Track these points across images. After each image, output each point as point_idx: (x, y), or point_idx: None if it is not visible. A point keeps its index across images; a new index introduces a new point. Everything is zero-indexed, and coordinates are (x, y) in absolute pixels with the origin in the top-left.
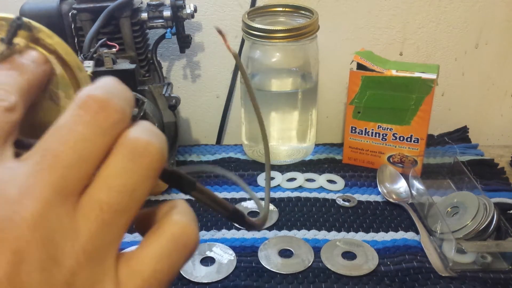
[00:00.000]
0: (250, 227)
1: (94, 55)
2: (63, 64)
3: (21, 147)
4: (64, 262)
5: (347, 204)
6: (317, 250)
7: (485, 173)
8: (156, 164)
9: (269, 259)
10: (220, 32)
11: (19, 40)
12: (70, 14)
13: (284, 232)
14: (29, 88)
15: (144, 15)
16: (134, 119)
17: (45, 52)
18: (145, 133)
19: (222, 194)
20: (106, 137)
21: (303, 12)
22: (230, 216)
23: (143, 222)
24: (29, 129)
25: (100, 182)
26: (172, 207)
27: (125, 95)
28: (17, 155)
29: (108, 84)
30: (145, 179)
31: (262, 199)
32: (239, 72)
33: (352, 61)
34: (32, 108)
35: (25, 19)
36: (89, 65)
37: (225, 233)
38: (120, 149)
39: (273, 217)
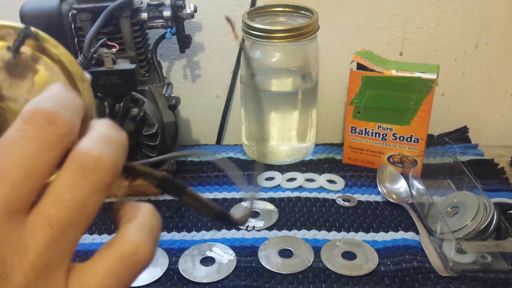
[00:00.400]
0: (235, 224)
1: (94, 55)
2: (66, 74)
3: None
4: (13, 279)
5: (347, 204)
6: (317, 250)
7: (485, 173)
8: (107, 178)
9: (269, 259)
10: (229, 20)
11: (25, 49)
12: (70, 14)
13: (284, 232)
14: None
15: (144, 15)
16: (134, 119)
17: (50, 61)
18: (97, 145)
19: (222, 195)
20: (54, 151)
21: (303, 12)
22: (217, 217)
23: (118, 215)
24: None
25: (49, 197)
26: (132, 218)
27: (73, 105)
28: None
29: (56, 95)
30: (96, 194)
31: (263, 199)
32: (239, 72)
33: (352, 61)
34: None
35: (32, 29)
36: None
37: (225, 233)
38: (70, 164)
39: (273, 217)
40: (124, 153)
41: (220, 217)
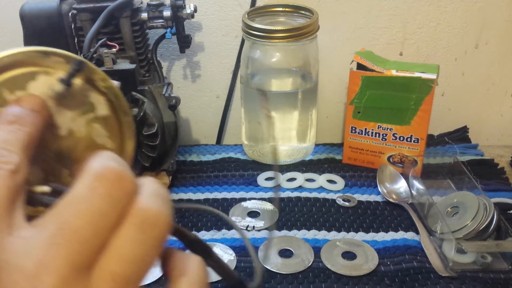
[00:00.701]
0: None
1: (94, 55)
2: (111, 106)
3: (33, 203)
4: None
5: (347, 204)
6: (317, 250)
7: (485, 173)
8: (164, 233)
9: (269, 259)
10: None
11: (75, 80)
12: (70, 14)
13: (284, 232)
14: (31, 141)
15: (144, 15)
16: (134, 119)
17: (97, 92)
18: (154, 202)
19: (222, 195)
20: (120, 208)
21: (303, 12)
22: (234, 285)
23: (167, 266)
24: (56, 156)
25: (112, 253)
26: (183, 273)
27: (128, 167)
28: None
29: (113, 156)
30: (154, 249)
31: (263, 199)
32: (239, 72)
33: (352, 61)
34: (67, 137)
35: (84, 61)
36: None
37: (225, 233)
38: (131, 220)
39: (273, 217)
40: (172, 211)
41: (237, 286)
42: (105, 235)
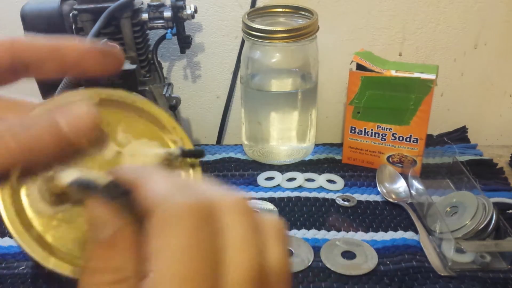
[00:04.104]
0: None
1: None
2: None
3: None
4: None
5: (346, 204)
6: (316, 250)
7: (484, 173)
8: None
9: None
10: None
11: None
12: (71, 14)
13: None
14: None
15: (145, 16)
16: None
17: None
18: None
19: None
20: None
21: (303, 12)
22: None
23: None
24: None
25: None
26: None
27: None
28: None
29: None
30: None
31: (263, 198)
32: (239, 73)
33: (352, 62)
34: None
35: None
36: None
37: None
38: None
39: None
40: None
41: None
42: None
